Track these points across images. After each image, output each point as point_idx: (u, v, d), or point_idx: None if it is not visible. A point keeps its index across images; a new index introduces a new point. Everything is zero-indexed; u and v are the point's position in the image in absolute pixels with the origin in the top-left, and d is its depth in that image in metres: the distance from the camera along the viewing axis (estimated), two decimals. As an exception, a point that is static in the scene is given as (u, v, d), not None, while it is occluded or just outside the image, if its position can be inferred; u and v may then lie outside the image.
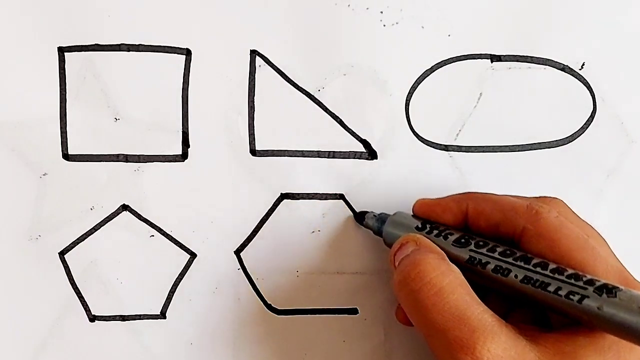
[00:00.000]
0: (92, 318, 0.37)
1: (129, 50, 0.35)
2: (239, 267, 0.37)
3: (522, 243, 0.31)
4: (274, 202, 0.37)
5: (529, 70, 0.37)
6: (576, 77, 0.37)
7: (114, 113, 0.36)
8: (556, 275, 0.28)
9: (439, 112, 0.37)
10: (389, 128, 0.37)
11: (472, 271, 0.31)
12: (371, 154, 0.37)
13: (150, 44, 0.35)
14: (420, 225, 0.33)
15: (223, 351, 0.37)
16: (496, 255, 0.30)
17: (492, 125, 0.37)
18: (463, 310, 0.28)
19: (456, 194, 0.34)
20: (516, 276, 0.29)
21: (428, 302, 0.28)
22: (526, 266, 0.29)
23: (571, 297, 0.27)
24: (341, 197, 0.37)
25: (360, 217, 0.37)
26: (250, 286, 0.37)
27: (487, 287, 0.31)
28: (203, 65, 0.36)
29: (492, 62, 0.37)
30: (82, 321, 0.37)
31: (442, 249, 0.31)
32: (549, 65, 0.37)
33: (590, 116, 0.38)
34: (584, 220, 0.32)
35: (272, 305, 0.37)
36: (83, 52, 0.35)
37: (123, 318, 0.37)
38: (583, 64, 0.37)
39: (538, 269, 0.29)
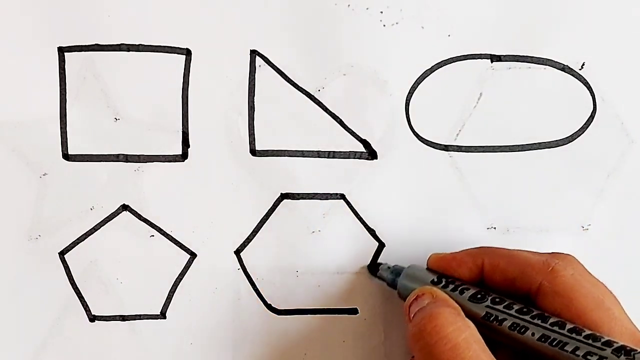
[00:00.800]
0: (92, 318, 0.37)
1: (129, 50, 0.35)
2: (239, 267, 0.37)
3: (537, 299, 0.31)
4: (274, 202, 0.37)
5: (529, 70, 0.37)
6: (576, 77, 0.37)
7: (114, 113, 0.36)
8: (574, 335, 0.28)
9: (439, 112, 0.37)
10: (389, 128, 0.37)
11: (487, 327, 0.30)
12: (371, 154, 0.37)
13: (150, 44, 0.35)
14: (435, 279, 0.33)
15: (223, 351, 0.37)
16: (513, 312, 0.30)
17: (492, 125, 0.37)
18: None
19: (471, 249, 0.34)
20: (533, 334, 0.29)
21: (443, 356, 0.28)
22: (543, 324, 0.29)
23: (589, 357, 0.28)
24: (341, 197, 0.37)
25: (374, 268, 0.37)
26: (250, 286, 0.37)
27: (501, 343, 0.30)
28: (203, 65, 0.36)
29: (492, 62, 0.37)
30: (82, 321, 0.37)
31: (458, 303, 0.31)
32: (549, 65, 0.37)
33: (590, 116, 0.38)
34: (596, 278, 0.32)
35: (272, 305, 0.37)
36: (83, 52, 0.35)
37: (123, 318, 0.37)
38: (583, 64, 0.37)
39: (555, 328, 0.29)
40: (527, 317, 0.30)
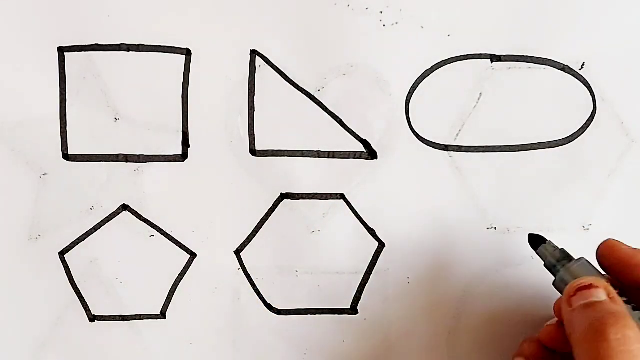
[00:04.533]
0: (92, 318, 0.37)
1: (129, 50, 0.35)
2: (239, 267, 0.37)
3: None
4: (274, 202, 0.37)
5: (529, 70, 0.37)
6: (576, 77, 0.37)
7: (114, 113, 0.36)
8: None
9: (439, 112, 0.37)
10: (389, 128, 0.37)
11: None
12: (371, 154, 0.37)
13: (150, 44, 0.35)
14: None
15: (223, 351, 0.37)
16: None
17: (492, 125, 0.37)
18: None
19: None
20: None
21: None
22: None
23: None
24: (341, 197, 0.37)
25: (536, 240, 0.35)
26: (250, 286, 0.37)
27: None
28: (203, 65, 0.36)
29: (492, 62, 0.37)
30: (82, 321, 0.37)
31: None
32: (549, 65, 0.37)
33: (590, 116, 0.38)
34: None
35: (272, 305, 0.37)
36: (83, 52, 0.35)
37: (123, 318, 0.37)
38: (583, 64, 0.37)
39: None
40: None
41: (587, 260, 0.33)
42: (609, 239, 0.33)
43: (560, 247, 0.34)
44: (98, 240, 0.36)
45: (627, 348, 0.27)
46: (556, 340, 0.33)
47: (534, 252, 0.35)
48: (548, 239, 0.35)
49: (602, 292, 0.30)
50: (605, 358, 0.28)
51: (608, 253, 0.33)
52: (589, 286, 0.30)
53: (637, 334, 0.28)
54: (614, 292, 0.30)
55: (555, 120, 0.38)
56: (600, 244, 0.33)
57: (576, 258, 0.33)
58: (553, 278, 0.33)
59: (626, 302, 0.30)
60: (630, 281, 0.31)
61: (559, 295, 0.33)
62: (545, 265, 0.34)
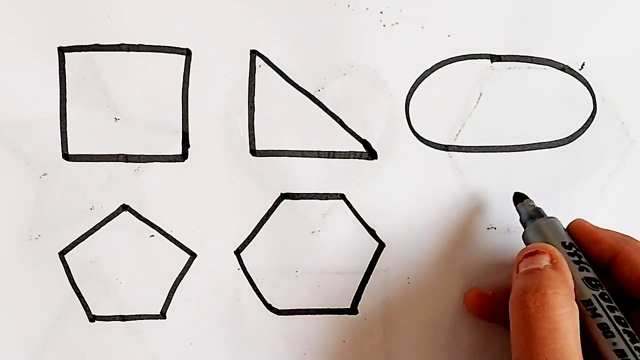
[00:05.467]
0: (92, 318, 0.37)
1: (129, 50, 0.35)
2: (239, 267, 0.37)
3: None
4: (274, 202, 0.37)
5: (529, 70, 0.37)
6: (576, 77, 0.37)
7: (114, 113, 0.36)
8: None
9: (439, 112, 0.37)
10: (389, 128, 0.37)
11: (580, 313, 0.30)
12: (371, 154, 0.37)
13: (150, 44, 0.35)
14: (567, 243, 0.33)
15: (223, 351, 0.37)
16: (612, 315, 0.30)
17: (492, 125, 0.37)
18: (565, 357, 0.28)
19: (616, 232, 0.34)
20: (614, 344, 0.29)
21: (539, 333, 0.28)
22: (629, 343, 0.29)
23: None
24: (341, 197, 0.37)
25: (519, 198, 0.36)
26: (250, 286, 0.37)
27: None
28: (203, 65, 0.36)
29: (492, 62, 0.37)
30: (82, 321, 0.37)
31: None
32: (549, 65, 0.37)
33: (590, 116, 0.38)
34: None
35: (272, 305, 0.37)
36: (83, 52, 0.35)
37: (123, 318, 0.37)
38: (583, 64, 0.37)
39: (637, 352, 0.29)
40: (619, 327, 0.30)
41: (557, 220, 0.34)
42: (578, 218, 0.34)
43: (537, 206, 0.35)
44: (98, 240, 0.36)
45: (546, 314, 0.28)
46: (478, 308, 0.35)
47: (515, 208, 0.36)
48: (529, 198, 0.36)
49: (545, 258, 0.31)
50: (525, 325, 0.29)
51: (575, 231, 0.34)
52: (535, 252, 0.31)
53: (562, 301, 0.29)
54: (558, 258, 0.31)
55: (555, 120, 0.38)
56: (569, 223, 0.34)
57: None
58: None
59: (575, 262, 0.31)
60: (593, 255, 0.33)
61: None
62: (520, 220, 0.35)
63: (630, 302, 0.33)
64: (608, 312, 0.30)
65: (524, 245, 0.34)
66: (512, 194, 0.36)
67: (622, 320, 0.30)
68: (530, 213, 0.35)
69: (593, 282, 0.31)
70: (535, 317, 0.28)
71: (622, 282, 0.32)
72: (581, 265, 0.32)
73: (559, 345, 0.28)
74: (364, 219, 0.37)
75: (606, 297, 0.31)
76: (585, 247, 0.33)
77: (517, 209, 0.36)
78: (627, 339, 0.30)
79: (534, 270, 0.31)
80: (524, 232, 0.35)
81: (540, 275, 0.30)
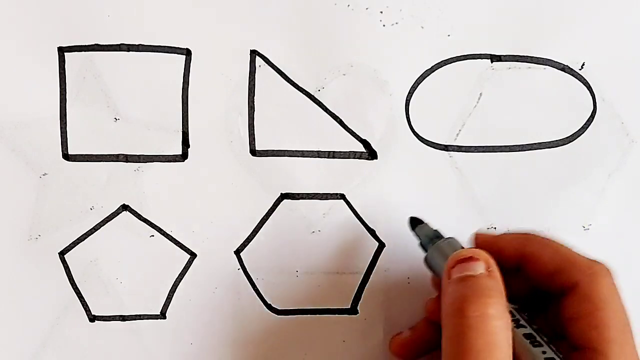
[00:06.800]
0: (92, 318, 0.37)
1: (129, 50, 0.35)
2: (239, 267, 0.37)
3: (566, 299, 0.31)
4: (274, 202, 0.37)
5: (529, 70, 0.37)
6: (576, 77, 0.37)
7: (114, 113, 0.36)
8: None
9: (439, 112, 0.37)
10: (389, 128, 0.37)
11: None
12: (371, 154, 0.37)
13: (150, 44, 0.35)
14: None
15: (223, 351, 0.37)
16: (533, 327, 0.30)
17: (492, 125, 0.37)
18: None
19: (517, 233, 0.34)
20: (544, 352, 0.29)
21: (476, 345, 0.27)
22: (558, 352, 0.29)
23: None
24: (341, 197, 0.37)
25: (415, 222, 0.36)
26: (250, 286, 0.37)
27: None
28: (203, 65, 0.36)
29: (492, 62, 0.37)
30: (82, 321, 0.37)
31: None
32: (549, 65, 0.37)
33: (590, 116, 0.38)
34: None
35: (272, 305, 0.37)
36: (83, 52, 0.35)
37: (123, 318, 0.37)
38: (583, 64, 0.37)
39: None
40: (543, 337, 0.30)
41: (455, 240, 0.33)
42: (476, 231, 0.34)
43: (434, 228, 0.35)
44: (98, 240, 0.36)
45: (484, 326, 0.27)
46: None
47: (412, 232, 0.36)
48: (425, 222, 0.35)
49: (481, 265, 0.30)
50: (461, 335, 0.27)
51: (478, 243, 0.34)
52: (469, 259, 0.30)
53: (499, 311, 0.28)
54: (493, 266, 0.30)
55: (555, 120, 0.38)
56: (471, 237, 0.34)
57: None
58: None
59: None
60: (500, 262, 0.31)
61: None
62: (419, 244, 0.35)
63: (544, 299, 0.33)
64: (529, 323, 0.30)
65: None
66: (409, 219, 0.36)
67: (541, 330, 0.30)
68: (429, 235, 0.34)
69: (509, 298, 0.31)
70: (474, 327, 0.27)
71: (533, 280, 0.32)
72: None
73: (495, 358, 0.27)
74: (364, 219, 0.37)
75: (521, 309, 0.31)
76: (492, 256, 0.31)
77: (415, 234, 0.35)
78: (554, 348, 0.30)
79: (469, 277, 0.29)
80: (425, 257, 0.34)
81: (477, 284, 0.29)
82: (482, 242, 0.34)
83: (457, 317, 0.28)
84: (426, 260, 0.34)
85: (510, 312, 0.30)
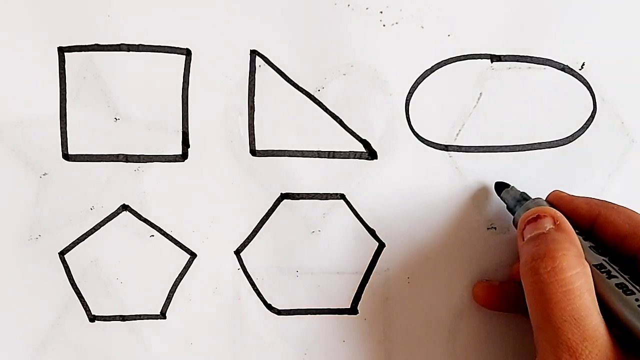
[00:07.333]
0: (92, 318, 0.37)
1: (129, 50, 0.35)
2: (239, 267, 0.37)
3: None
4: (274, 202, 0.37)
5: (529, 70, 0.37)
6: (576, 77, 0.37)
7: (114, 113, 0.36)
8: None
9: (439, 112, 0.37)
10: (389, 128, 0.37)
11: (594, 276, 0.30)
12: (371, 154, 0.37)
13: (150, 44, 0.35)
14: None
15: (223, 351, 0.37)
16: (626, 276, 0.30)
17: (492, 125, 0.37)
18: (583, 317, 0.28)
19: (591, 198, 0.34)
20: (637, 300, 0.29)
21: (554, 297, 0.28)
22: None
23: None
24: (341, 197, 0.37)
25: (500, 187, 0.36)
26: (250, 286, 0.37)
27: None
28: (203, 65, 0.36)
29: (492, 62, 0.37)
30: (82, 321, 0.37)
31: None
32: (549, 65, 0.37)
33: (590, 116, 0.38)
34: None
35: (272, 305, 0.37)
36: (83, 52, 0.35)
37: (123, 318, 0.37)
38: (583, 64, 0.37)
39: None
40: (635, 286, 0.30)
41: (542, 199, 0.34)
42: (554, 190, 0.35)
43: (521, 191, 0.35)
44: (98, 240, 0.36)
45: (557, 279, 0.28)
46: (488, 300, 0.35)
47: (499, 197, 0.36)
48: (512, 185, 0.36)
49: (548, 221, 0.31)
50: (538, 291, 0.29)
51: (554, 203, 0.34)
52: (537, 217, 0.31)
53: (572, 262, 0.29)
54: (561, 219, 0.31)
55: (555, 120, 0.38)
56: (547, 197, 0.35)
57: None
58: None
59: (587, 239, 0.32)
60: (574, 222, 0.32)
61: None
62: (507, 208, 0.36)
63: (614, 261, 0.33)
64: (622, 273, 0.30)
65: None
66: (494, 185, 0.37)
67: (633, 278, 0.30)
68: (517, 197, 0.35)
69: (599, 250, 0.31)
70: (548, 282, 0.29)
71: (605, 243, 0.33)
72: (580, 237, 0.32)
73: (575, 306, 0.28)
74: (364, 219, 0.37)
75: (615, 261, 0.31)
76: (566, 216, 0.33)
77: (502, 198, 0.36)
78: None
79: (539, 235, 0.31)
80: (514, 218, 0.35)
81: (546, 240, 0.30)
82: (557, 201, 0.34)
83: (531, 275, 0.29)
84: (514, 222, 0.35)
85: (601, 263, 0.31)
